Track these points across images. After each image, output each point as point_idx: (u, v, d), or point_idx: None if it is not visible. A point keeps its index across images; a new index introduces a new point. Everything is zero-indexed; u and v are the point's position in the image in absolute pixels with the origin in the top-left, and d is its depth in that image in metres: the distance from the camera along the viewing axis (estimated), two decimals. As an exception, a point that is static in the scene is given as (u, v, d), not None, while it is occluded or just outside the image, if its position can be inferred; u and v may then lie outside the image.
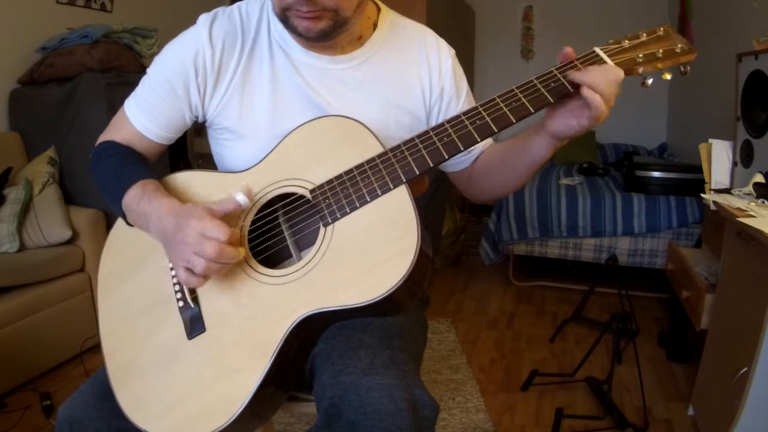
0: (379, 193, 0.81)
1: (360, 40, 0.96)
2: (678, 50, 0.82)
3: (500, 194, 1.03)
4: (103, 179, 0.94)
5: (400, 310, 0.85)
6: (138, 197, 0.87)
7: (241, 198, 0.82)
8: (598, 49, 0.82)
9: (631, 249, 2.79)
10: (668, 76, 0.83)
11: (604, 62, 0.80)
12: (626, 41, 0.83)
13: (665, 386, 2.02)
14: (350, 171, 0.84)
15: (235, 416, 0.77)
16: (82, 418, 0.83)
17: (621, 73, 0.78)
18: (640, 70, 0.81)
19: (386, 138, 0.87)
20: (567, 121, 0.81)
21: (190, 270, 0.78)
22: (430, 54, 1.00)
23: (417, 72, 0.99)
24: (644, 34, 0.84)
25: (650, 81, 0.82)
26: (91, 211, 2.31)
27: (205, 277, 0.79)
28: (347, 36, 0.92)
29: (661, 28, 0.85)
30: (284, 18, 0.86)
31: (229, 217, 0.85)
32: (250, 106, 0.94)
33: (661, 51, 0.82)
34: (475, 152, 1.02)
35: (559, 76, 0.81)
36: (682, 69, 0.83)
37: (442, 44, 1.02)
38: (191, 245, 0.77)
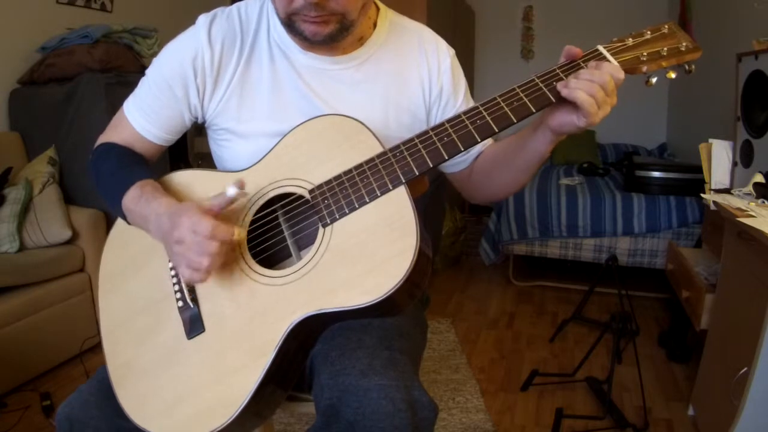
0: (378, 194, 0.81)
1: (360, 41, 0.96)
2: (683, 48, 0.81)
3: (499, 195, 1.02)
4: (102, 181, 0.94)
5: (399, 311, 0.84)
6: (136, 198, 0.87)
7: (231, 191, 0.81)
8: (601, 48, 0.81)
9: (631, 249, 2.79)
10: (673, 75, 0.82)
11: (608, 61, 0.80)
12: (630, 39, 0.82)
13: (665, 386, 2.02)
14: (349, 171, 0.84)
15: (234, 416, 0.77)
16: (82, 417, 0.83)
17: (620, 74, 0.78)
18: (644, 68, 0.80)
19: (386, 138, 0.87)
20: (567, 118, 0.80)
21: (191, 267, 0.78)
22: (429, 53, 1.00)
23: (417, 71, 0.99)
24: (648, 32, 0.82)
25: (654, 80, 0.82)
26: (91, 211, 2.31)
27: (207, 272, 0.78)
28: (350, 38, 0.92)
29: (666, 26, 0.83)
30: (289, 22, 0.86)
31: (228, 217, 0.85)
32: (249, 107, 0.94)
33: (665, 49, 0.81)
34: (473, 152, 1.01)
35: (561, 75, 0.80)
36: (686, 68, 0.82)
37: (441, 43, 1.02)
38: (187, 243, 0.77)
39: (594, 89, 0.76)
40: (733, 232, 1.58)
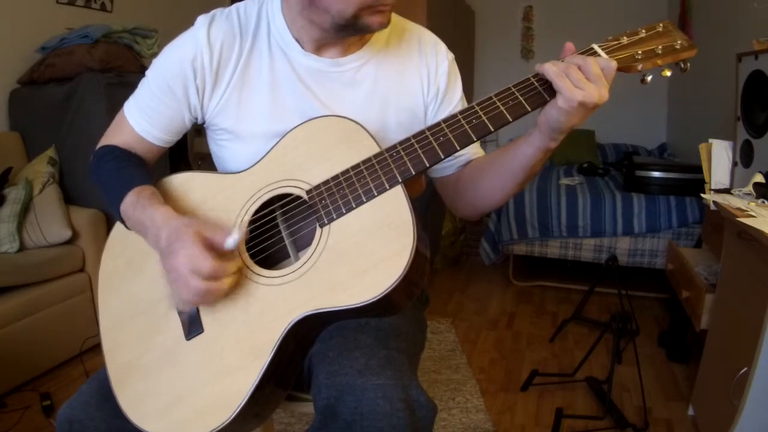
0: (375, 194, 0.81)
1: (361, 41, 0.96)
2: (678, 46, 0.81)
3: (484, 204, 0.97)
4: (102, 184, 0.94)
5: (397, 311, 0.84)
6: (133, 204, 0.87)
7: (231, 244, 0.80)
8: (596, 46, 0.81)
9: (631, 249, 2.78)
10: (668, 73, 0.82)
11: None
12: (625, 38, 0.82)
13: (665, 386, 2.02)
14: (346, 171, 0.84)
15: (233, 416, 0.77)
16: (83, 418, 0.83)
17: (612, 63, 0.78)
18: (639, 66, 0.80)
19: (385, 139, 0.87)
20: (550, 109, 0.79)
21: (181, 299, 0.79)
22: (429, 54, 1.00)
23: (417, 72, 0.99)
24: (643, 31, 0.82)
25: (650, 78, 0.82)
26: (91, 211, 2.31)
27: (193, 305, 0.80)
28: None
29: (661, 24, 0.83)
30: (355, 19, 0.84)
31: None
32: (248, 108, 0.94)
33: (660, 47, 0.81)
34: (462, 159, 0.99)
35: None
36: (682, 66, 0.82)
37: (441, 45, 1.02)
38: (180, 275, 0.77)
39: (569, 69, 0.76)
40: (733, 232, 1.58)
